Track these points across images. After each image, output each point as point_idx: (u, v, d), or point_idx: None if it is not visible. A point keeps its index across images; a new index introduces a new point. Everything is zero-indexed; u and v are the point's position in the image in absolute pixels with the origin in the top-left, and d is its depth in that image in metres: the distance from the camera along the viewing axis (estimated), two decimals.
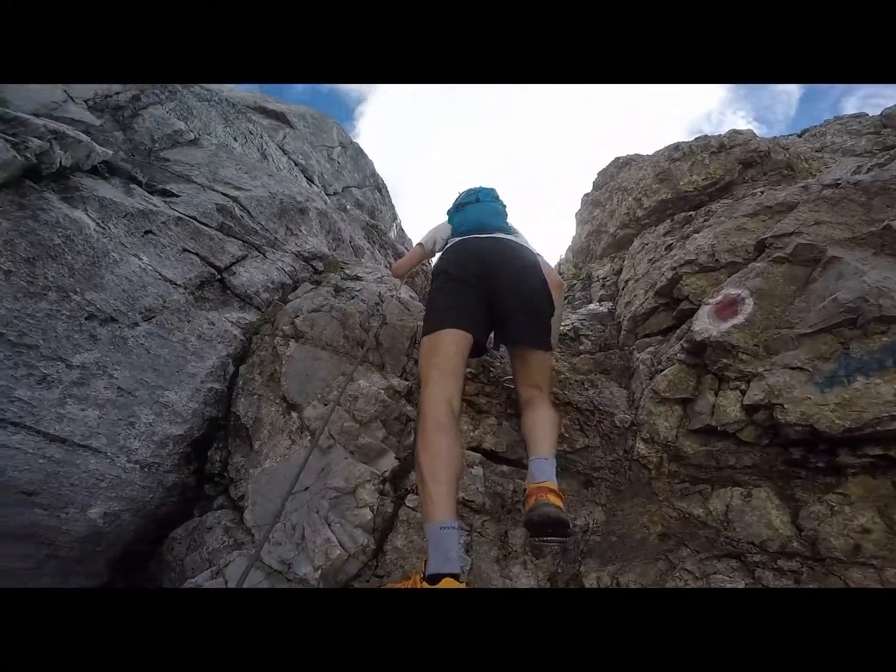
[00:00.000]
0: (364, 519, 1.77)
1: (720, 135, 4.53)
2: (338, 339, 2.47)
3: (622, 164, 7.34)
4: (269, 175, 3.73)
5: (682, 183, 4.41)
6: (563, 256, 7.19)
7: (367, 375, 2.32)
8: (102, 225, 2.15)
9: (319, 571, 1.59)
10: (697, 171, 4.43)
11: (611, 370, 2.66)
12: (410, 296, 3.63)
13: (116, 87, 3.57)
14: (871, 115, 5.64)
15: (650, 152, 6.37)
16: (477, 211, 2.39)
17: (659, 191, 4.58)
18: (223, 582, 1.62)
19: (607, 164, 7.45)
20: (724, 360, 1.91)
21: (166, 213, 2.50)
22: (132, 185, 2.56)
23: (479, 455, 2.14)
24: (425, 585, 1.24)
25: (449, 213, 2.57)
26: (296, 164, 5.50)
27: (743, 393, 1.83)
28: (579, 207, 7.04)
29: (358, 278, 3.26)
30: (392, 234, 6.09)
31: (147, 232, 2.38)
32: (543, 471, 1.66)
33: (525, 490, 1.66)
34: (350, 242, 4.15)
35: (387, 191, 7.12)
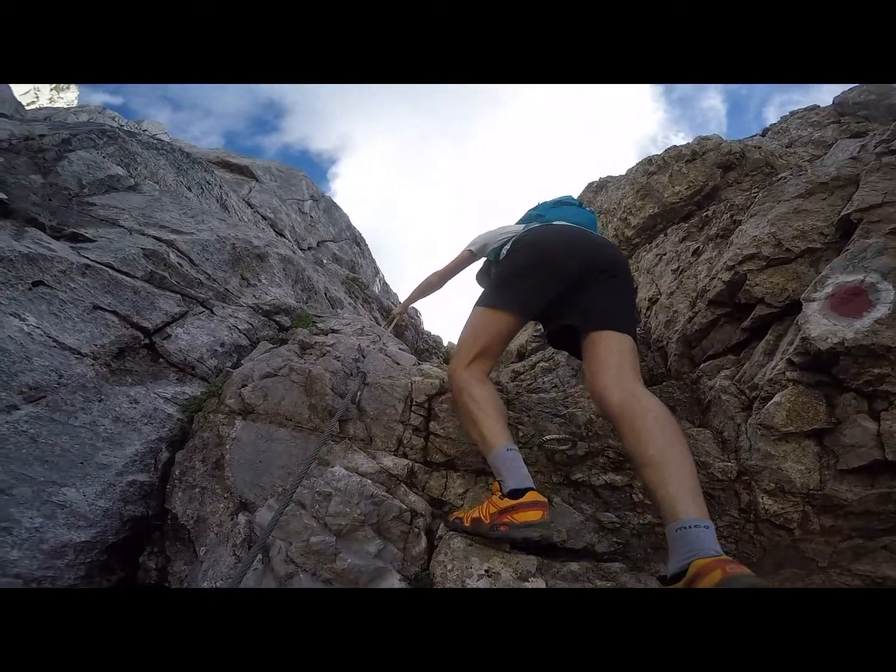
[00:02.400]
0: None
1: (689, 143, 4.50)
2: (301, 411, 1.81)
3: (597, 188, 7.23)
4: (221, 220, 3.18)
5: (665, 195, 4.30)
6: None
7: (346, 457, 1.66)
8: None
9: None
10: (678, 182, 4.35)
11: (675, 406, 2.03)
12: (401, 348, 2.99)
13: (42, 128, 3.07)
14: (821, 105, 5.75)
15: (615, 174, 6.18)
16: (578, 213, 2.06)
17: (644, 207, 4.52)
18: None
19: (581, 190, 7.33)
20: (877, 370, 1.34)
21: (68, 259, 1.89)
22: (27, 229, 1.95)
23: (534, 558, 1.45)
24: (509, 501, 1.31)
25: (534, 213, 2.16)
26: (263, 218, 5.01)
27: None
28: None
29: (333, 331, 2.63)
30: (376, 289, 5.57)
31: (37, 283, 1.75)
32: (702, 539, 1.08)
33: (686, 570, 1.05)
34: (325, 294, 3.56)
35: (366, 244, 6.70)
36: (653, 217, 4.23)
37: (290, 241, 4.88)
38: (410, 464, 1.71)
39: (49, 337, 1.69)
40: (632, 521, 1.62)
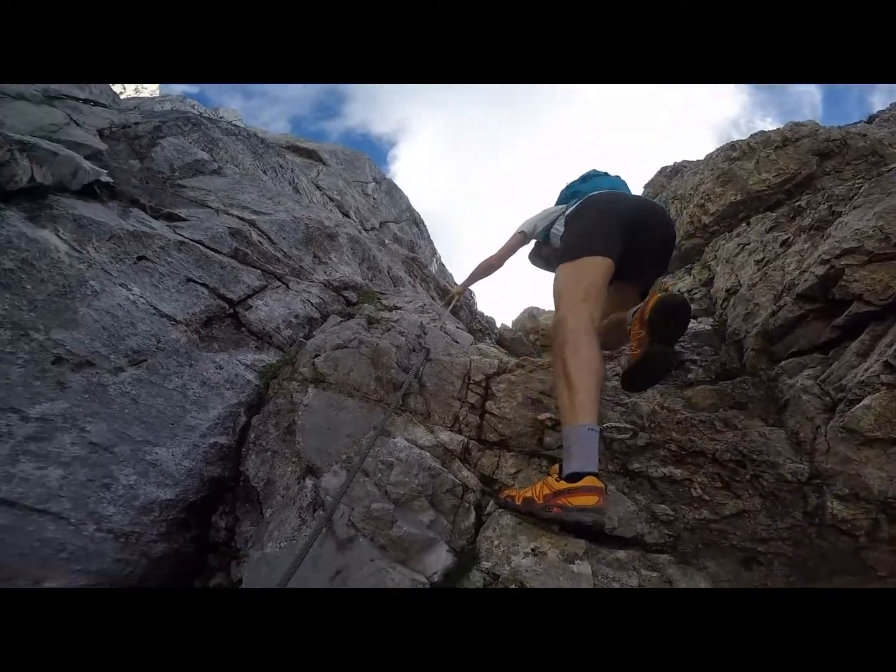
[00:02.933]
0: None
1: (779, 128, 4.24)
2: (368, 383, 1.91)
3: (671, 173, 6.85)
4: (295, 201, 3.36)
5: (750, 182, 4.07)
6: None
7: (407, 430, 1.73)
8: (79, 248, 1.74)
9: None
10: (766, 169, 4.12)
11: (747, 403, 1.92)
12: (458, 327, 3.04)
13: (136, 117, 3.37)
14: None
15: (692, 159, 5.95)
16: (608, 180, 2.22)
17: (724, 194, 4.31)
18: None
19: (653, 174, 6.93)
20: None
21: (167, 236, 2.09)
22: (132, 209, 2.17)
23: (583, 541, 1.46)
24: (565, 485, 1.32)
25: (568, 192, 2.35)
26: (331, 200, 5.21)
27: None
28: None
29: (396, 308, 2.72)
30: (433, 269, 5.64)
31: (140, 258, 1.95)
32: None
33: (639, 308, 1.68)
34: (388, 272, 3.67)
35: (424, 226, 6.79)
36: (734, 205, 4.02)
37: (355, 221, 5.05)
38: (466, 440, 1.77)
39: (150, 305, 1.89)
40: (686, 515, 1.59)
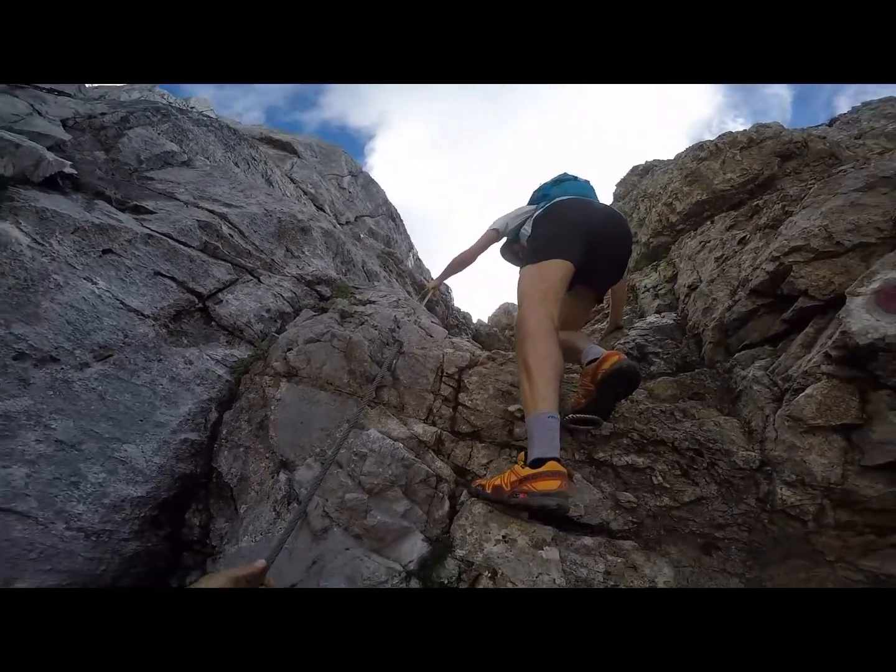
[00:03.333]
0: None
1: (745, 130, 4.38)
2: (341, 376, 1.93)
3: (642, 172, 7.02)
4: (267, 194, 3.31)
5: (716, 182, 4.20)
6: None
7: (380, 422, 1.76)
8: (41, 241, 1.69)
9: None
10: (731, 169, 4.25)
11: (704, 394, 2.03)
12: (433, 322, 3.08)
13: (102, 108, 3.26)
14: None
15: (664, 158, 6.07)
16: (577, 185, 2.31)
17: (691, 193, 4.44)
18: None
19: (625, 173, 7.09)
20: None
21: (133, 229, 2.04)
22: (97, 201, 2.12)
23: (550, 528, 1.53)
24: (529, 471, 1.39)
25: (539, 193, 2.43)
26: (304, 193, 5.15)
27: None
28: None
29: (370, 302, 2.73)
30: (409, 264, 5.65)
31: (106, 251, 1.91)
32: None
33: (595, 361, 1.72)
34: (363, 267, 3.67)
35: (401, 220, 6.77)
36: (700, 203, 4.14)
37: (329, 215, 5.01)
38: (439, 432, 1.81)
39: (116, 299, 1.85)
40: (648, 502, 1.67)
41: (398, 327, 2.34)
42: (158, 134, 3.34)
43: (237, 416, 1.86)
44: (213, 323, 2.14)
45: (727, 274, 2.62)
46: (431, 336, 2.52)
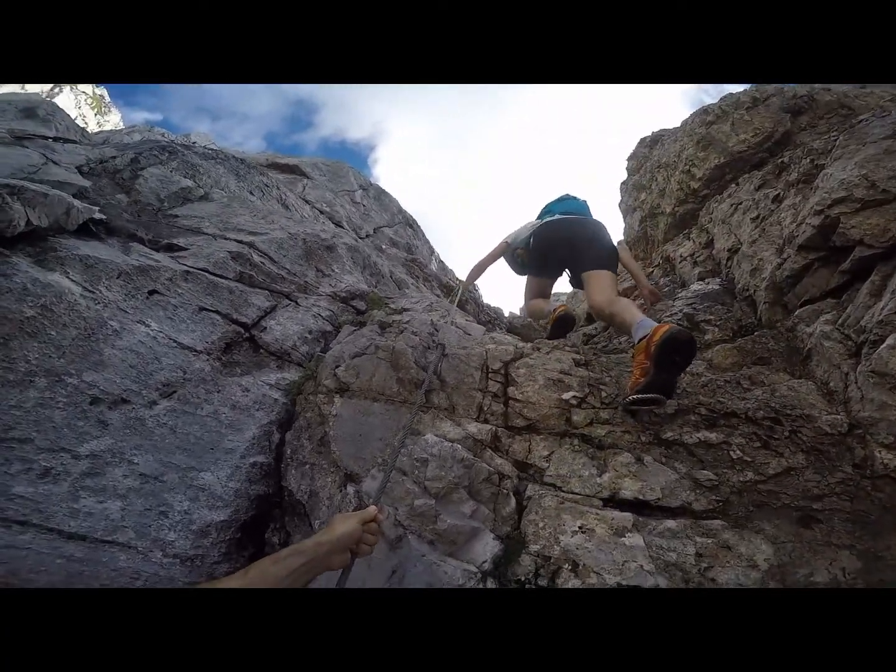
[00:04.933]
0: None
1: (745, 90, 4.32)
2: (390, 385, 1.95)
3: (651, 143, 6.89)
4: (287, 218, 3.37)
5: (730, 144, 4.14)
6: None
7: (434, 426, 1.76)
8: (91, 289, 1.76)
9: None
10: (742, 129, 4.23)
11: (770, 358, 1.95)
12: (468, 320, 3.06)
13: (110, 151, 3.36)
14: None
15: (669, 126, 6.08)
16: (573, 204, 3.11)
17: (707, 158, 4.40)
18: None
19: (634, 147, 6.96)
20: None
21: (171, 267, 2.11)
22: (131, 244, 2.18)
23: (629, 514, 1.49)
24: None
25: (544, 210, 3.23)
26: (321, 213, 5.21)
27: None
28: (620, 197, 6.50)
29: (405, 310, 2.73)
30: (433, 267, 5.65)
31: (152, 292, 1.98)
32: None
33: (647, 336, 1.78)
34: (391, 277, 3.69)
35: (418, 226, 6.79)
36: (720, 167, 4.09)
37: (349, 230, 5.05)
38: (493, 429, 1.80)
39: (170, 339, 1.91)
40: (731, 478, 1.60)
41: (436, 330, 2.33)
42: (171, 171, 3.43)
43: (298, 436, 1.89)
44: (261, 350, 2.19)
45: (768, 233, 2.54)
46: (470, 334, 2.51)
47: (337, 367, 2.04)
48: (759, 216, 2.80)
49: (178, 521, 1.61)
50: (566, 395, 1.89)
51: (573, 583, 1.34)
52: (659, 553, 1.38)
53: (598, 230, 2.72)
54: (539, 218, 3.13)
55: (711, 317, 2.35)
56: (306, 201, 5.20)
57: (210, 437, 1.79)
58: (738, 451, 1.62)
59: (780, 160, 3.20)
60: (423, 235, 6.54)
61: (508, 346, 2.24)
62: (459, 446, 1.65)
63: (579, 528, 1.44)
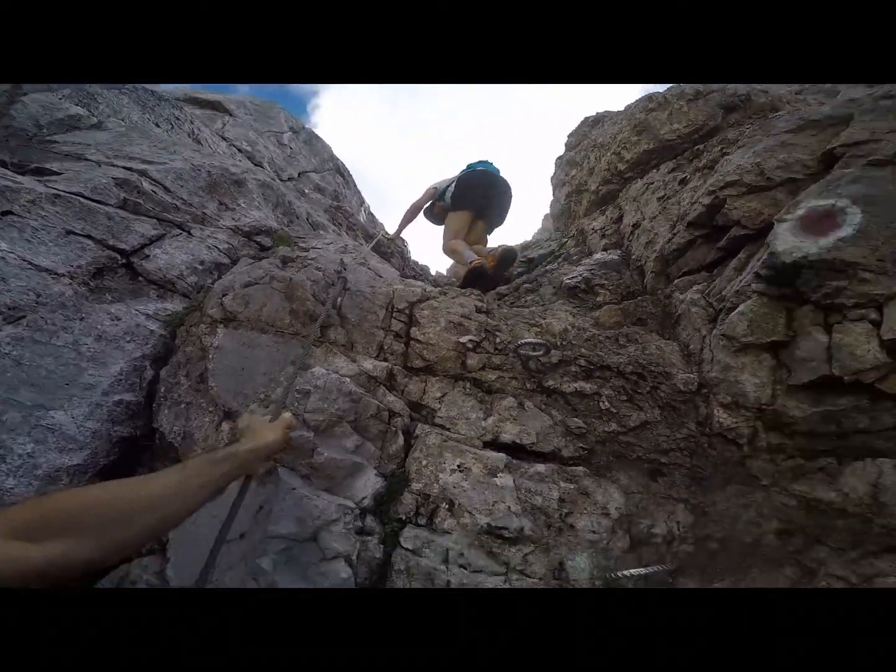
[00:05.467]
0: (339, 579, 1.19)
1: (693, 84, 4.45)
2: (282, 317, 1.83)
3: (593, 123, 7.03)
4: (195, 150, 3.07)
5: (662, 132, 4.31)
6: (541, 226, 6.72)
7: (326, 361, 1.70)
8: None
9: None
10: (678, 120, 4.35)
11: (646, 319, 2.10)
12: (384, 265, 3.00)
13: None
14: None
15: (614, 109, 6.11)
16: (486, 164, 3.69)
17: (639, 142, 4.50)
18: None
19: (577, 125, 7.08)
20: (835, 283, 1.41)
21: (35, 189, 1.87)
22: None
23: (503, 455, 1.54)
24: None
25: (466, 167, 3.74)
26: (239, 150, 4.81)
27: (875, 325, 1.33)
28: (554, 171, 6.62)
29: (315, 249, 2.61)
30: (361, 218, 5.44)
31: (5, 213, 1.72)
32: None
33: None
34: (307, 219, 3.50)
35: (350, 175, 6.46)
36: (647, 153, 4.18)
37: (269, 171, 4.70)
38: (390, 366, 1.77)
39: (23, 260, 1.68)
40: (597, 428, 1.69)
41: (345, 269, 2.23)
42: (60, 99, 2.98)
43: (175, 372, 1.75)
44: (140, 278, 1.99)
45: (668, 211, 2.68)
46: (382, 277, 2.45)
47: (224, 295, 1.88)
48: (665, 196, 2.95)
49: (19, 466, 1.43)
50: (463, 339, 1.89)
51: (449, 523, 1.37)
52: (527, 496, 1.45)
53: (508, 194, 3.53)
54: (467, 169, 3.69)
55: (605, 282, 2.47)
56: (224, 138, 4.73)
57: (66, 370, 1.60)
58: (606, 403, 1.72)
59: (696, 148, 3.37)
60: (355, 185, 6.25)
61: (416, 288, 2.20)
62: (348, 379, 1.58)
63: (458, 466, 1.47)
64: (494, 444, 1.63)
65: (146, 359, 1.78)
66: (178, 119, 4.15)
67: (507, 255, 3.09)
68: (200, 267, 2.17)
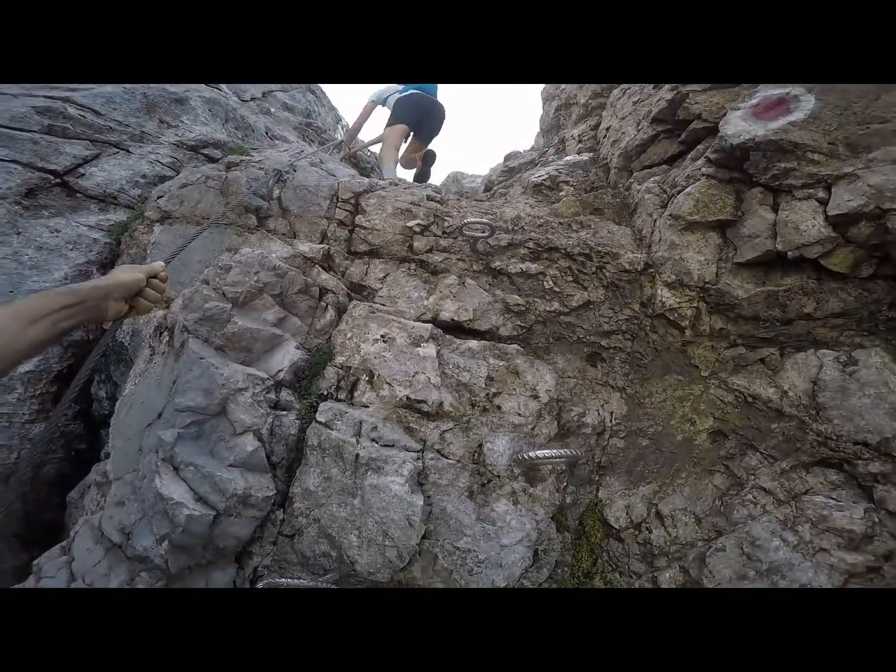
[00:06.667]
0: (244, 453, 1.18)
1: None
2: (216, 210, 1.81)
3: None
4: None
5: None
6: (534, 143, 6.42)
7: (261, 245, 1.69)
8: None
9: (165, 543, 1.06)
10: None
11: (604, 209, 2.03)
12: (342, 168, 2.86)
13: None
14: None
15: None
16: (426, 86, 3.75)
17: None
18: (68, 560, 1.09)
19: None
20: (783, 164, 1.36)
21: None
22: None
23: (429, 325, 1.50)
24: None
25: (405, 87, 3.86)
26: None
27: (822, 203, 1.29)
28: (544, 85, 6.20)
29: (266, 156, 2.51)
30: (337, 135, 5.19)
31: None
32: None
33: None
34: (266, 133, 3.36)
35: (323, 93, 6.05)
36: None
37: (228, 93, 4.45)
38: (327, 247, 1.74)
39: None
40: (539, 307, 1.65)
41: (294, 170, 2.13)
42: None
43: None
44: (77, 195, 1.98)
45: (638, 112, 2.55)
46: (335, 176, 2.35)
47: (159, 197, 1.87)
48: (639, 99, 2.81)
49: None
50: (411, 223, 1.83)
51: (368, 396, 1.35)
52: (454, 372, 1.41)
53: (442, 115, 3.83)
54: (402, 90, 3.80)
55: (570, 178, 2.36)
56: None
57: (8, 279, 1.63)
58: (550, 282, 1.68)
59: None
60: (330, 103, 5.90)
61: (364, 180, 2.12)
62: (274, 255, 1.53)
63: (381, 336, 1.44)
64: (435, 324, 1.58)
65: (91, 264, 1.80)
66: None
67: (428, 154, 3.69)
68: (143, 180, 2.15)
